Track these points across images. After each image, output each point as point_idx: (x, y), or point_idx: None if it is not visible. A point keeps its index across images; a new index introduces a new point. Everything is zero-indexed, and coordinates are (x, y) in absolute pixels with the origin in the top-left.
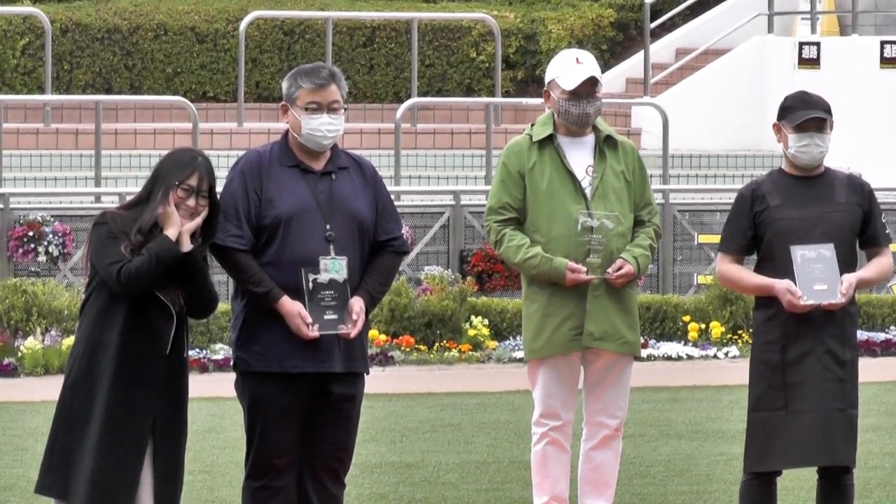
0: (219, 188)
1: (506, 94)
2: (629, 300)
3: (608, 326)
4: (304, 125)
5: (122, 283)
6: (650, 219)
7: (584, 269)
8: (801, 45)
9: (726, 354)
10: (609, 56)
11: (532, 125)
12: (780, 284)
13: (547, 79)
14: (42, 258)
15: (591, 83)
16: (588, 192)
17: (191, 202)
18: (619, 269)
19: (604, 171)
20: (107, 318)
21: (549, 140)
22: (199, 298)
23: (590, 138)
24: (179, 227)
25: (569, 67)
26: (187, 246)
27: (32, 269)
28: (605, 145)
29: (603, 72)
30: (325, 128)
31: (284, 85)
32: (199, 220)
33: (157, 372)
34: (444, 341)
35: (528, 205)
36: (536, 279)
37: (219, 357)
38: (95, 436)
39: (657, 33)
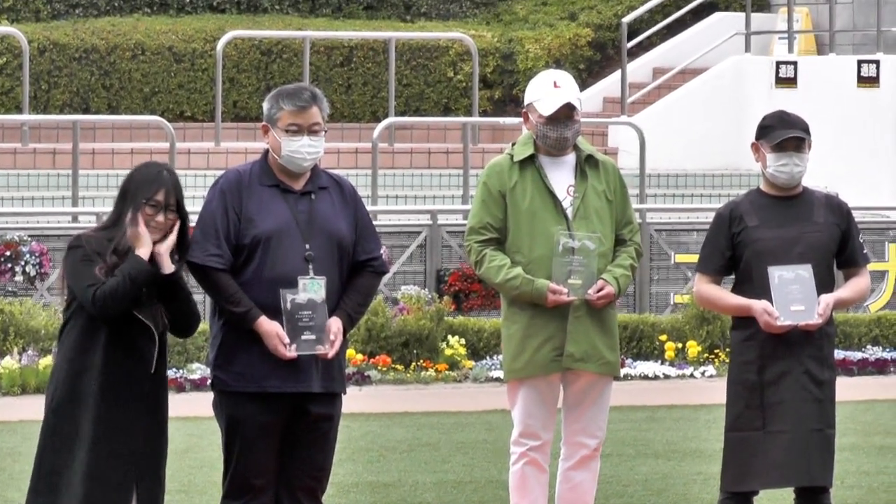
0: (198, 207)
1: (483, 113)
2: (609, 321)
3: (589, 347)
4: (285, 147)
5: (97, 306)
6: (631, 237)
7: (566, 290)
8: (779, 64)
9: (703, 374)
10: (586, 75)
11: (513, 145)
12: (757, 305)
13: (525, 101)
14: (19, 278)
15: (569, 108)
16: (569, 212)
17: (160, 218)
18: (600, 290)
19: (585, 190)
20: (88, 340)
21: (531, 160)
22: (183, 317)
23: (571, 158)
24: (150, 246)
25: (546, 92)
26: (169, 267)
27: (9, 288)
28: (587, 165)
29: (580, 91)
30: (305, 150)
31: (265, 105)
32: (173, 238)
33: (143, 391)
34: (421, 361)
35: (510, 225)
36: (517, 300)
37: (196, 377)
38: (85, 460)
39: (634, 53)
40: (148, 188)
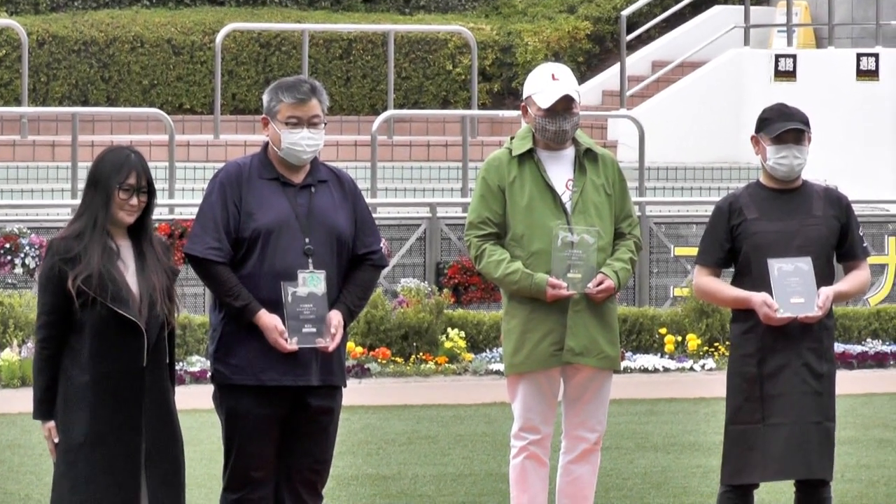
0: (197, 200)
1: (482, 106)
2: (609, 314)
3: (588, 342)
4: (285, 139)
5: (36, 342)
6: (630, 231)
7: (565, 284)
8: (778, 57)
9: (703, 367)
10: (585, 68)
11: (511, 138)
12: (756, 297)
13: (524, 94)
14: (18, 270)
15: (568, 100)
16: (568, 206)
17: (133, 201)
18: (600, 283)
19: (584, 184)
20: (72, 347)
21: (529, 154)
22: None
23: (569, 152)
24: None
25: (545, 84)
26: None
27: (9, 280)
28: (585, 158)
29: (579, 84)
30: (305, 142)
31: (265, 98)
32: None
33: (135, 388)
34: (421, 354)
35: (509, 220)
36: (517, 295)
37: (195, 369)
38: (86, 466)
39: (633, 46)
40: (119, 173)
